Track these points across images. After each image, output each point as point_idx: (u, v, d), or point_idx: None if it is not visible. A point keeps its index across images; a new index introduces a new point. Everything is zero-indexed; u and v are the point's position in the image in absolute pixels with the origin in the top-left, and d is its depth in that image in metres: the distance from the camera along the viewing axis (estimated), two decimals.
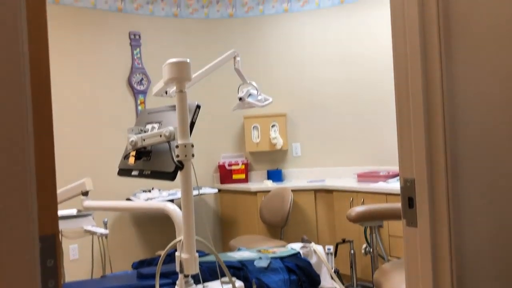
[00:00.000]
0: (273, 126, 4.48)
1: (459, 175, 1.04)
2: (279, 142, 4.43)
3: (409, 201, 1.08)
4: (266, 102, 2.88)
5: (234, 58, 2.79)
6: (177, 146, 1.83)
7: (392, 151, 4.02)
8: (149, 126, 2.18)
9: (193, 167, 1.90)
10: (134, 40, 4.19)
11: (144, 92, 4.24)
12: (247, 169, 4.51)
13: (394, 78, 1.15)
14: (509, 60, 0.98)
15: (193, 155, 1.85)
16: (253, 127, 4.50)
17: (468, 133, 1.03)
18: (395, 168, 3.93)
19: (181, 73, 1.85)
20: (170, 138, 1.91)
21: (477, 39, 1.04)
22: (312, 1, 4.44)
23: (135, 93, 4.19)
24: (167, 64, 1.88)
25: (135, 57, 4.19)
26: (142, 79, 4.23)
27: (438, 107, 1.08)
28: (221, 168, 4.50)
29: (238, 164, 4.48)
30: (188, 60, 1.88)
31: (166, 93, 2.49)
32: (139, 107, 4.22)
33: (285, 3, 4.53)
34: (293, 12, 4.51)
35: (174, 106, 2.07)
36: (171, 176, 1.85)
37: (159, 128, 2.13)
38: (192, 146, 1.85)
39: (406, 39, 1.24)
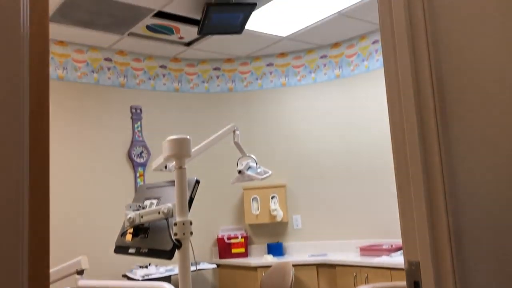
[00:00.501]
0: (272, 197, 4.45)
1: (465, 257, 1.01)
2: (279, 214, 4.37)
3: (415, 285, 1.05)
4: (266, 175, 2.89)
5: (234, 131, 2.83)
6: (175, 224, 1.81)
7: (395, 222, 3.95)
8: (147, 202, 2.16)
9: (191, 244, 1.85)
10: (135, 114, 4.29)
11: (143, 165, 4.25)
12: (246, 242, 4.41)
13: (394, 159, 1.16)
14: (506, 137, 0.99)
15: (191, 233, 1.81)
16: (252, 199, 4.47)
17: (471, 214, 1.01)
18: (398, 241, 3.85)
19: (181, 150, 1.87)
20: (168, 215, 1.88)
21: (474, 119, 1.06)
22: (308, 76, 4.60)
23: (135, 165, 4.21)
24: (167, 141, 1.90)
25: (136, 130, 4.26)
26: (142, 151, 4.26)
27: (439, 187, 1.08)
28: (220, 241, 4.40)
29: (237, 237, 4.39)
30: (188, 137, 1.91)
31: (166, 167, 2.50)
32: (139, 180, 4.21)
33: (283, 78, 4.69)
34: (291, 86, 4.65)
35: (173, 181, 2.07)
36: (169, 255, 1.80)
37: (157, 204, 2.11)
38: (191, 223, 1.83)
39: (402, 115, 1.27)
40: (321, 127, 4.50)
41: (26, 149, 0.77)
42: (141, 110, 4.33)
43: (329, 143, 4.45)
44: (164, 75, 4.55)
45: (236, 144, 2.84)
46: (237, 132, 2.82)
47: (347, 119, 4.37)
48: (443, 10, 1.19)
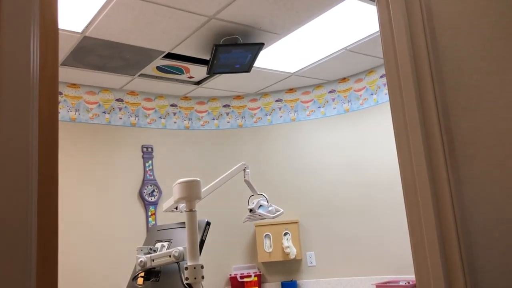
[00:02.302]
0: (285, 234, 4.40)
1: None
2: (293, 252, 4.31)
3: None
4: (277, 214, 2.87)
5: (244, 169, 2.85)
6: (186, 268, 1.79)
7: (411, 257, 3.87)
8: (158, 245, 2.16)
9: (203, 286, 1.83)
10: (147, 153, 4.33)
11: (155, 204, 4.26)
12: (260, 281, 4.34)
13: (404, 199, 1.15)
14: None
15: (203, 277, 1.80)
16: (265, 236, 4.42)
17: (484, 255, 1.00)
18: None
19: (191, 193, 1.88)
20: (179, 259, 1.87)
21: (484, 159, 1.05)
22: (317, 110, 4.64)
23: (146, 204, 4.22)
24: (177, 184, 1.92)
25: (147, 169, 4.30)
26: (153, 190, 4.28)
27: (451, 226, 1.07)
28: (233, 280, 4.33)
29: (250, 276, 4.32)
30: (198, 179, 1.93)
31: (176, 208, 2.51)
32: (150, 219, 4.21)
33: (292, 113, 4.73)
34: (300, 121, 4.68)
35: (184, 223, 2.07)
36: None
37: (169, 246, 2.10)
38: (202, 267, 1.81)
39: (411, 156, 1.27)
40: (332, 162, 4.49)
41: (34, 186, 0.77)
42: (152, 149, 4.38)
43: (341, 177, 4.43)
44: (174, 114, 4.62)
45: (247, 182, 2.85)
46: (247, 170, 2.83)
47: (358, 152, 4.37)
48: (447, 48, 1.21)
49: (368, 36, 3.57)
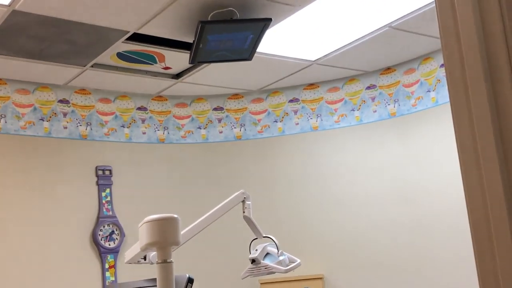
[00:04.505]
0: None
1: None
2: None
3: None
4: (292, 266, 2.86)
5: (243, 201, 2.84)
6: None
7: None
8: None
9: None
10: (103, 178, 4.33)
11: (115, 251, 4.25)
12: None
13: (474, 250, 1.15)
14: None
15: None
16: None
17: None
18: None
19: (165, 236, 1.87)
20: None
21: None
22: (350, 115, 4.64)
23: (102, 253, 4.20)
24: (145, 223, 1.91)
25: (103, 201, 4.29)
26: (112, 232, 4.27)
27: None
28: None
29: None
30: (175, 216, 1.91)
31: (145, 258, 2.50)
32: (107, 274, 4.19)
33: (314, 119, 4.73)
34: (325, 131, 4.68)
35: (155, 280, 2.05)
36: None
37: None
38: None
39: (483, 184, 1.27)
40: (372, 190, 4.47)
41: None
42: (110, 171, 4.37)
43: (383, 213, 4.40)
44: (143, 120, 4.63)
45: (247, 219, 2.84)
46: (248, 202, 2.83)
47: (410, 176, 4.34)
48: None
49: (423, 7, 3.58)
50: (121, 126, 4.53)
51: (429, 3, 3.52)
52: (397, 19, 3.71)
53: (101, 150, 4.40)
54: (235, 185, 4.63)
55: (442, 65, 4.29)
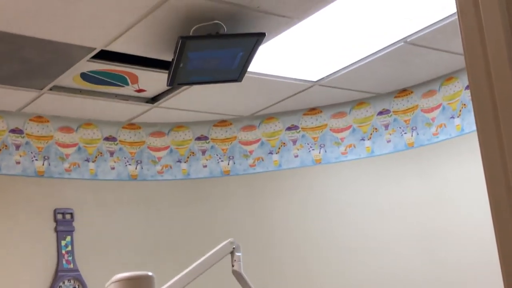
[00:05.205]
0: None
1: None
2: None
3: None
4: None
5: (232, 253, 2.82)
6: None
7: None
8: None
9: None
10: (63, 223, 4.30)
11: None
12: None
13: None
14: None
15: None
16: None
17: None
18: None
19: None
20: None
21: None
22: (360, 145, 4.64)
23: None
24: (113, 284, 1.89)
25: (63, 252, 4.25)
26: None
27: None
28: None
29: None
30: (149, 274, 1.90)
31: None
32: None
33: (316, 150, 4.73)
34: (330, 164, 4.67)
35: None
36: None
37: None
38: None
39: None
40: (384, 237, 4.46)
41: None
42: (72, 215, 4.35)
43: (398, 265, 4.38)
44: (112, 153, 4.62)
45: (237, 274, 2.83)
46: (238, 254, 2.82)
47: (430, 221, 4.33)
48: None
49: (443, 19, 3.60)
50: (85, 160, 4.51)
51: (451, 15, 3.54)
52: (413, 33, 3.73)
53: (60, 190, 4.37)
54: (222, 231, 4.60)
55: (467, 87, 4.30)
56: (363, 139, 4.65)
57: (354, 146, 4.66)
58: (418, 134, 4.48)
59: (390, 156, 4.56)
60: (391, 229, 4.45)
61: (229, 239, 2.81)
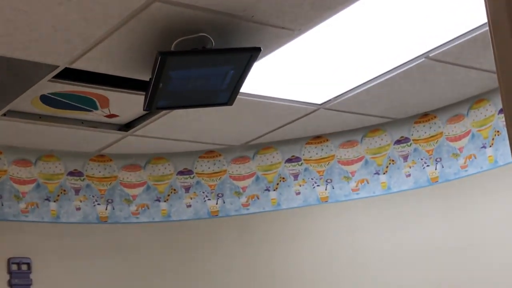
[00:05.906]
0: None
1: None
2: None
3: None
4: None
5: None
6: None
7: None
8: None
9: None
10: (18, 275, 4.28)
11: None
12: None
13: None
14: None
15: None
16: None
17: None
18: None
19: None
20: None
21: None
22: (374, 180, 4.64)
23: None
24: None
25: None
26: None
27: None
28: None
29: None
30: None
31: None
32: None
33: (321, 186, 4.73)
34: (338, 203, 4.68)
35: None
36: None
37: None
38: None
39: None
40: (403, 286, 4.44)
41: None
42: (29, 266, 4.33)
43: None
44: (77, 191, 4.61)
45: None
46: None
47: (456, 269, 4.33)
48: None
49: (471, 31, 3.62)
50: (45, 200, 4.50)
51: (480, 26, 3.56)
52: (436, 47, 3.75)
53: (15, 235, 4.36)
54: (210, 285, 4.58)
55: (501, 110, 4.31)
56: (377, 173, 4.65)
57: (367, 182, 4.66)
58: (443, 167, 4.49)
59: (409, 193, 4.56)
60: (411, 280, 4.44)
61: None
